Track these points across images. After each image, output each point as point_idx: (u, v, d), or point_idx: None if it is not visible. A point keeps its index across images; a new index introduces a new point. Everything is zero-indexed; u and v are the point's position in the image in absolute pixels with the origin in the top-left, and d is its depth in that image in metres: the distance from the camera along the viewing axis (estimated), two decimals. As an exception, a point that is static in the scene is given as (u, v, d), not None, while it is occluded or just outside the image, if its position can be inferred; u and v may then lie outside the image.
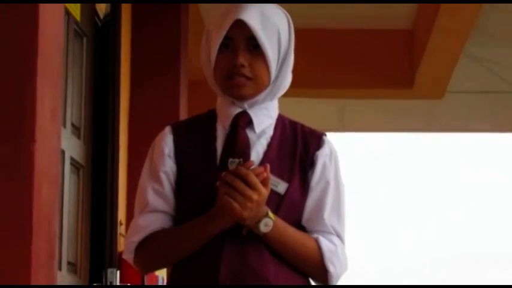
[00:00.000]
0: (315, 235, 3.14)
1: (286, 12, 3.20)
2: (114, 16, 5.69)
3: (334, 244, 3.16)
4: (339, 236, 3.20)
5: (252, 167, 3.03)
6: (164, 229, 3.15)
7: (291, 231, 3.10)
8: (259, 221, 3.03)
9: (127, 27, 6.39)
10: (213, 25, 3.18)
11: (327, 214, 3.17)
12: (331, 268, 3.15)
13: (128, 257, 3.22)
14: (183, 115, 6.65)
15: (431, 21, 8.74)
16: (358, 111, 11.22)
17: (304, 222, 3.17)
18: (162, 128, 3.30)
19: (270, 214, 3.03)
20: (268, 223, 3.03)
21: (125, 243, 3.24)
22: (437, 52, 9.18)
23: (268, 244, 3.08)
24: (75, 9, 5.18)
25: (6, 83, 3.54)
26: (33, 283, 3.45)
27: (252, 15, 3.10)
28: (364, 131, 12.28)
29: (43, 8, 3.60)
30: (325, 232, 3.17)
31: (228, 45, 3.13)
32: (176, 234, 3.14)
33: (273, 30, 3.13)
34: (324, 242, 3.15)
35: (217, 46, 3.13)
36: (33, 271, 3.46)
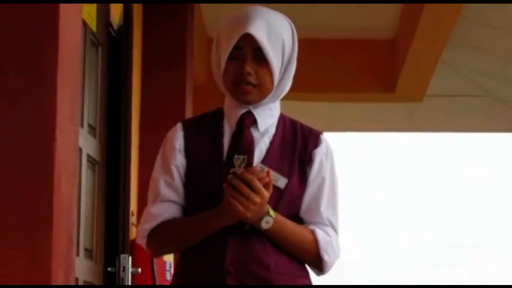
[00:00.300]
0: (312, 227, 3.15)
1: (290, 22, 3.20)
2: (126, 27, 5.69)
3: (329, 235, 3.17)
4: (333, 227, 3.21)
5: (258, 168, 3.05)
6: (175, 218, 3.15)
7: (290, 226, 3.11)
8: (260, 218, 3.04)
9: (138, 38, 6.39)
10: (223, 36, 3.17)
11: (323, 207, 3.18)
12: (325, 257, 3.16)
13: (141, 242, 3.23)
14: (188, 115, 6.64)
15: (411, 32, 8.75)
16: (346, 113, 11.22)
17: (301, 214, 3.18)
18: (169, 127, 3.31)
19: (271, 212, 3.05)
20: (269, 221, 3.05)
21: (138, 229, 3.25)
22: (417, 60, 9.18)
23: (270, 237, 3.09)
24: (92, 21, 5.18)
25: (29, 87, 3.53)
26: (53, 268, 3.45)
27: (259, 28, 3.09)
28: (352, 131, 12.28)
29: (63, 20, 3.60)
30: (321, 224, 3.18)
31: (236, 54, 3.13)
32: (184, 225, 3.15)
33: (278, 40, 3.13)
34: (320, 234, 3.15)
35: (227, 55, 3.12)
36: (53, 257, 3.46)
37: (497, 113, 11.24)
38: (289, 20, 3.20)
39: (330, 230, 3.19)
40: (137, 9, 6.31)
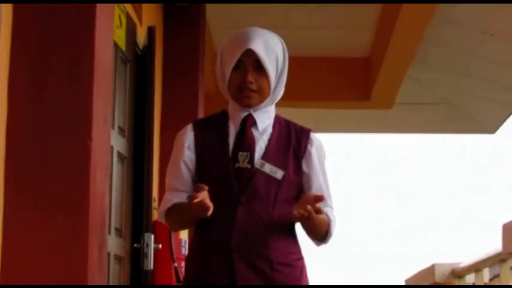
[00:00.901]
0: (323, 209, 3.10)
1: (282, 40, 3.21)
2: (149, 47, 5.69)
3: (333, 214, 3.17)
4: (331, 207, 3.22)
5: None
6: (177, 204, 3.15)
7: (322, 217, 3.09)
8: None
9: (159, 55, 6.40)
10: (226, 51, 3.18)
11: (325, 192, 3.18)
12: (333, 232, 3.17)
13: (161, 220, 3.27)
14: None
15: (383, 52, 8.75)
16: (329, 118, 11.21)
17: None
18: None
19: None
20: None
21: (158, 211, 3.28)
22: (388, 75, 9.18)
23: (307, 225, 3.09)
24: (121, 42, 5.18)
25: (71, 96, 3.55)
26: (90, 244, 3.45)
27: (258, 45, 3.11)
28: (334, 132, 12.26)
29: (98, 41, 3.60)
30: (326, 205, 3.15)
31: (238, 66, 3.13)
32: (177, 212, 3.15)
33: (273, 54, 3.14)
34: (332, 215, 3.16)
35: (232, 67, 3.13)
36: (90, 235, 3.47)
37: (451, 117, 11.24)
38: (281, 39, 3.21)
39: (330, 209, 3.20)
40: (158, 32, 6.32)
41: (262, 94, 3.15)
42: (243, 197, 3.08)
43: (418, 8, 7.60)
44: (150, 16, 6.13)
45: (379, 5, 8.47)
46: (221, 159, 3.14)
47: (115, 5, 4.23)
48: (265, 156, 3.12)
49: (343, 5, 8.45)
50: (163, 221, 3.25)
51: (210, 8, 7.26)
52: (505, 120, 11.11)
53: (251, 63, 3.13)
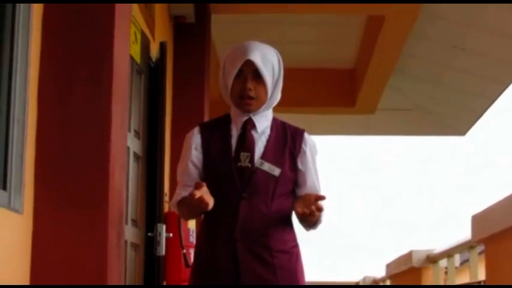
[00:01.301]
0: None
1: (277, 52, 3.21)
2: (161, 60, 5.69)
3: (323, 204, 3.11)
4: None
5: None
6: (185, 197, 3.11)
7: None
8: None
9: (170, 67, 6.41)
10: (228, 63, 3.18)
11: (318, 186, 3.19)
12: (323, 219, 3.15)
13: (174, 210, 3.26)
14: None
15: (366, 64, 8.77)
16: (319, 122, 11.22)
17: (302, 192, 3.15)
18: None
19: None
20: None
21: (171, 203, 3.28)
22: (371, 84, 9.20)
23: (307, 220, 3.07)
24: (137, 56, 5.19)
25: (92, 103, 3.55)
26: (109, 233, 3.46)
27: (256, 56, 3.11)
28: (323, 135, 12.27)
29: (116, 55, 3.61)
30: None
31: (239, 75, 3.13)
32: (186, 204, 3.11)
33: (269, 64, 3.13)
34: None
35: (233, 76, 3.13)
36: (109, 225, 3.47)
37: (427, 121, 11.25)
38: (276, 51, 3.21)
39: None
40: (169, 47, 6.32)
41: (260, 100, 3.15)
42: (245, 193, 3.07)
43: (398, 25, 7.61)
44: (162, 33, 6.13)
45: (363, 22, 8.49)
46: (225, 158, 3.13)
47: (131, 22, 4.23)
48: (264, 156, 3.12)
49: (331, 21, 8.47)
50: (175, 211, 3.25)
51: (214, 25, 7.28)
52: (474, 123, 11.13)
53: (250, 72, 3.12)
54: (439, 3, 7.80)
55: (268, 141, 3.17)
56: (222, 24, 7.84)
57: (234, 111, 3.21)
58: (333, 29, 8.71)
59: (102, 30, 3.59)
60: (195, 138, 3.21)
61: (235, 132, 3.18)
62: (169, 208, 5.89)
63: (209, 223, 3.14)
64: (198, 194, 2.90)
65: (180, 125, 6.44)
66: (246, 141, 3.14)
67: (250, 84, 3.12)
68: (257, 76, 3.12)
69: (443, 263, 8.00)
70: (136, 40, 5.17)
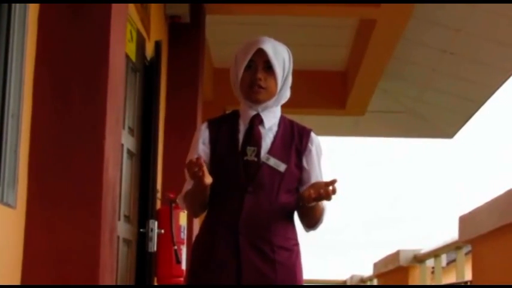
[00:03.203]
0: None
1: (288, 49, 3.17)
2: (156, 59, 5.68)
3: (324, 204, 3.10)
4: None
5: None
6: (189, 189, 3.09)
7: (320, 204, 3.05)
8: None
9: (164, 66, 6.39)
10: (240, 54, 3.14)
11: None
12: (324, 219, 3.13)
13: (181, 206, 3.20)
14: (199, 122, 6.62)
15: (357, 67, 8.77)
16: (311, 123, 11.22)
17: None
18: (186, 130, 3.30)
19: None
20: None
21: (178, 198, 3.21)
22: (361, 86, 9.21)
23: (308, 210, 3.05)
24: (132, 54, 5.17)
25: (88, 101, 3.54)
26: (102, 228, 3.44)
27: (268, 46, 3.08)
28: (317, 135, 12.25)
29: (112, 54, 3.60)
30: None
31: (250, 66, 3.09)
32: (191, 193, 3.07)
33: (280, 58, 3.10)
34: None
35: (244, 66, 3.09)
36: (102, 220, 3.46)
37: (415, 124, 11.26)
38: (287, 48, 3.18)
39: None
40: (164, 46, 6.30)
41: (269, 92, 3.10)
42: (250, 187, 3.03)
43: (389, 28, 7.61)
44: (157, 32, 6.11)
45: (355, 25, 8.49)
46: (231, 152, 3.09)
47: (127, 21, 4.21)
48: (270, 151, 3.08)
49: (323, 25, 8.46)
50: (183, 206, 3.20)
51: (208, 26, 7.26)
52: (461, 126, 11.14)
53: (261, 63, 3.09)
54: (431, 6, 7.80)
55: (275, 137, 3.13)
56: (216, 25, 7.82)
57: (243, 106, 3.18)
58: (325, 32, 8.71)
59: (98, 28, 3.57)
60: (202, 133, 3.16)
61: (242, 127, 3.14)
62: (161, 204, 5.87)
63: (213, 215, 3.09)
64: (194, 160, 2.84)
65: (174, 123, 6.43)
66: (253, 135, 3.10)
67: (260, 74, 3.08)
68: (268, 68, 3.09)
69: (430, 262, 7.99)
70: (132, 39, 5.15)
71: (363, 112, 10.12)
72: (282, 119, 3.20)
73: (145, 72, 5.58)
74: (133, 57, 5.19)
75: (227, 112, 3.28)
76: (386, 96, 10.53)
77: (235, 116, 3.19)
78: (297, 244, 3.13)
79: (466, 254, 6.87)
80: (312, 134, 3.20)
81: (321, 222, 3.14)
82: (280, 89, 3.13)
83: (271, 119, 3.15)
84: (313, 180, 3.12)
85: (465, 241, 5.61)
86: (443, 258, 7.80)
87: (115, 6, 3.63)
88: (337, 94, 9.86)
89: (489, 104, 10.10)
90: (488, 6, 7.64)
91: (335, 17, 8.06)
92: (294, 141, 3.14)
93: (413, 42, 8.77)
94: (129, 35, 5.03)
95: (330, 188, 2.91)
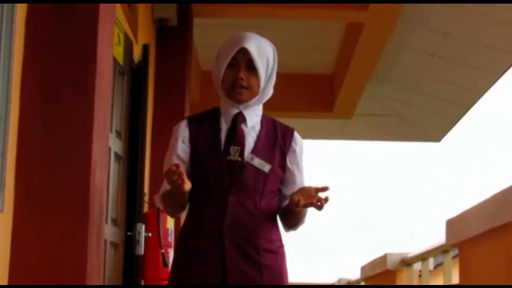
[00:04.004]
0: None
1: (273, 46, 3.11)
2: (144, 62, 5.68)
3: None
4: None
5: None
6: (167, 190, 3.01)
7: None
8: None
9: (152, 70, 6.39)
10: (222, 51, 3.06)
11: (302, 186, 3.07)
12: (305, 220, 3.11)
13: (158, 205, 3.12)
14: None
15: (345, 70, 8.79)
16: (298, 126, 11.23)
17: (287, 190, 3.08)
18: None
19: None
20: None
21: (155, 197, 3.12)
22: (349, 89, 9.23)
23: (293, 213, 3.02)
24: (120, 57, 5.17)
25: (75, 103, 3.54)
26: (89, 231, 3.44)
27: (252, 45, 3.01)
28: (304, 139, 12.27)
29: (99, 57, 3.60)
30: None
31: (232, 64, 3.02)
32: (169, 193, 2.99)
33: (264, 56, 3.03)
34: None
35: (226, 64, 3.01)
36: (89, 223, 3.45)
37: (403, 127, 11.29)
38: (273, 45, 3.11)
39: None
40: (152, 49, 6.31)
41: (252, 91, 3.03)
42: (234, 187, 2.98)
43: (376, 32, 7.64)
44: (144, 35, 6.12)
45: (343, 28, 8.51)
46: (214, 152, 3.02)
47: (115, 25, 4.22)
48: (254, 151, 3.02)
49: (310, 28, 8.48)
50: (160, 206, 3.11)
51: (196, 29, 7.27)
52: (449, 130, 11.18)
53: (244, 62, 3.01)
54: (419, 10, 7.83)
55: (258, 136, 3.06)
56: (203, 27, 7.83)
57: (224, 104, 3.10)
58: (312, 35, 8.72)
59: (86, 30, 3.57)
60: (182, 131, 3.08)
61: (224, 126, 3.06)
62: (148, 208, 5.87)
63: (195, 217, 3.02)
64: (174, 167, 2.76)
65: (161, 126, 6.43)
66: (236, 135, 3.03)
67: (242, 74, 3.00)
68: (250, 67, 3.01)
69: (417, 266, 8.01)
70: (119, 42, 5.16)
71: (351, 115, 10.14)
72: (264, 118, 3.13)
73: (133, 76, 5.57)
74: (121, 60, 5.19)
75: (207, 109, 3.19)
76: (374, 100, 10.56)
77: (216, 113, 3.11)
78: (282, 246, 3.09)
79: (453, 257, 6.89)
80: (296, 134, 3.15)
81: (302, 223, 3.11)
82: (263, 88, 3.07)
83: (254, 117, 3.08)
84: (298, 180, 3.09)
85: (452, 244, 5.63)
86: (431, 262, 7.82)
87: (103, 7, 3.62)
88: (324, 97, 9.89)
89: (477, 107, 10.15)
90: (476, 10, 7.68)
91: (323, 20, 8.08)
92: (278, 140, 3.08)
93: (401, 45, 8.80)
94: (117, 38, 5.03)
95: (322, 195, 2.88)
